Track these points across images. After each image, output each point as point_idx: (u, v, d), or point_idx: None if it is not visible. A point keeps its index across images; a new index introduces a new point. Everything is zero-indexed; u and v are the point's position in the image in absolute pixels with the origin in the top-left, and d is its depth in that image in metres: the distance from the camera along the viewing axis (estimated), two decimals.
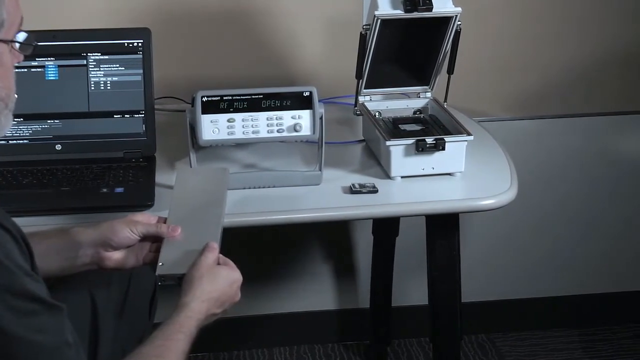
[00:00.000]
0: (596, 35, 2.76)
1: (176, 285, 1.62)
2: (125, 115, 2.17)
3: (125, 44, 2.14)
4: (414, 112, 2.31)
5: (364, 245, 2.89)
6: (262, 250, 2.85)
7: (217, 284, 1.60)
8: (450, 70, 2.25)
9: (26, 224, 1.50)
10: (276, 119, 2.00)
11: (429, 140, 2.05)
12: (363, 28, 2.13)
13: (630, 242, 3.04)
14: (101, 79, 2.14)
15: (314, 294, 2.95)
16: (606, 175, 2.93)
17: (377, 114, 2.25)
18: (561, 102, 2.82)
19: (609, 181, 2.94)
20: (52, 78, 2.13)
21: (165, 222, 1.72)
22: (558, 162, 2.89)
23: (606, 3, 2.73)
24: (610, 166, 2.92)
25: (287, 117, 2.01)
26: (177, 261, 1.64)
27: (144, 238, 1.71)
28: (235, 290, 1.64)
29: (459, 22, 2.14)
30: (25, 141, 2.13)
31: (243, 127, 2.00)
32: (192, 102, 1.99)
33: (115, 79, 2.14)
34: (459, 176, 2.10)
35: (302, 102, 2.01)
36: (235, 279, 1.63)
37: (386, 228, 2.75)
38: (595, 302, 3.09)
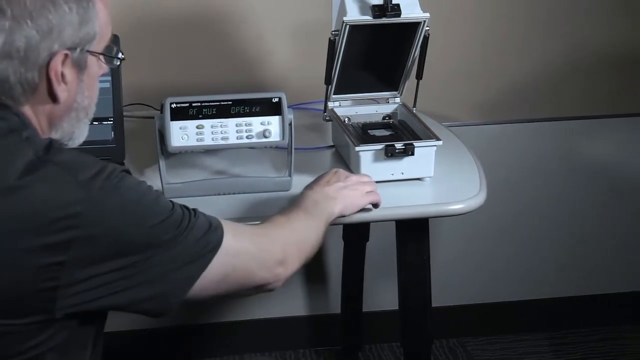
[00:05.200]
0: (562, 41, 2.78)
1: None
2: (94, 122, 2.11)
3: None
4: (383, 118, 2.32)
5: (334, 250, 2.89)
6: None
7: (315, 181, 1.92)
8: (419, 76, 2.26)
9: None
10: (245, 125, 2.00)
11: (398, 145, 2.05)
12: (332, 34, 2.14)
13: (597, 246, 3.06)
14: None
15: (285, 300, 2.95)
16: (573, 179, 2.95)
17: (346, 119, 2.26)
18: (528, 107, 2.84)
19: (575, 185, 2.96)
20: None
21: None
22: (526, 167, 2.91)
23: (572, 10, 2.75)
24: (578, 170, 2.94)
25: (257, 123, 2.01)
26: None
27: None
28: (335, 174, 1.91)
29: (428, 28, 2.15)
30: None
31: (212, 133, 1.99)
32: (161, 109, 1.99)
33: None
34: (429, 181, 2.10)
35: (271, 108, 2.01)
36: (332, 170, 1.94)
37: (356, 233, 2.76)
38: (564, 306, 3.11)
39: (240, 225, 1.62)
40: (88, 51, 1.46)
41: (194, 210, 1.51)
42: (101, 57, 1.51)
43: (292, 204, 1.83)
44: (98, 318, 1.50)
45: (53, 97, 1.44)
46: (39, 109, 1.46)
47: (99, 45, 1.49)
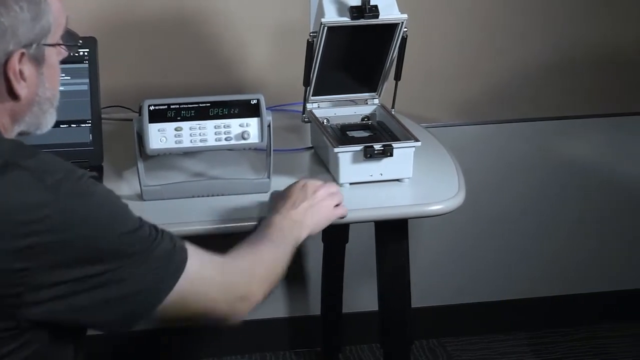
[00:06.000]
0: (540, 41, 2.79)
1: None
2: (72, 125, 2.15)
3: (71, 53, 2.12)
4: (362, 119, 2.32)
5: (314, 252, 2.89)
6: None
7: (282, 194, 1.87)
8: (397, 77, 2.26)
9: None
10: (224, 127, 2.00)
11: (377, 146, 2.05)
12: (310, 35, 2.14)
13: (578, 246, 3.07)
14: None
15: (265, 302, 2.93)
16: (552, 179, 2.96)
17: (325, 120, 2.26)
18: (507, 107, 2.85)
19: (555, 185, 2.97)
20: None
21: None
22: (505, 167, 2.92)
23: (550, 10, 2.76)
24: (557, 170, 2.96)
25: (235, 125, 2.00)
26: None
27: None
28: (302, 189, 1.86)
29: (406, 29, 2.15)
30: None
31: (191, 135, 1.99)
32: (140, 111, 1.98)
33: (61, 88, 2.10)
34: (408, 182, 2.11)
35: (249, 110, 2.00)
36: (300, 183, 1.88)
37: (336, 235, 2.76)
38: (544, 305, 3.12)
39: (206, 254, 1.58)
40: (45, 44, 1.45)
41: (161, 230, 1.49)
42: (60, 46, 1.51)
43: (259, 232, 1.77)
44: (74, 332, 1.48)
45: (13, 96, 1.44)
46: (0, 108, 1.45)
47: (56, 35, 1.48)
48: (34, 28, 1.42)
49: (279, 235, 1.75)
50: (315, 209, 1.84)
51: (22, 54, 1.42)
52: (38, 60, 1.45)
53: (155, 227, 1.48)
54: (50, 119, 1.54)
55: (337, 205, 1.90)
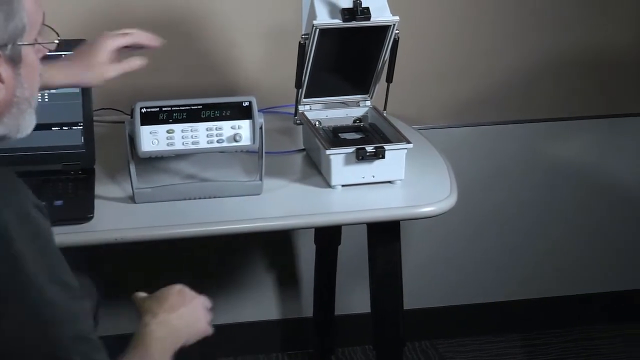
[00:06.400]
0: (531, 43, 2.79)
1: None
2: (64, 128, 2.15)
3: (63, 56, 2.12)
4: (354, 121, 2.32)
5: (306, 254, 2.89)
6: (204, 261, 2.84)
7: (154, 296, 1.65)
8: (389, 79, 2.27)
9: None
10: (216, 129, 2.00)
11: (369, 148, 2.06)
12: (302, 37, 2.14)
13: (570, 247, 3.07)
14: None
15: (257, 303, 2.95)
16: (543, 181, 2.97)
17: (317, 123, 2.26)
18: (498, 109, 2.85)
19: (546, 187, 2.98)
20: None
21: None
22: (496, 169, 2.92)
23: (540, 13, 2.76)
24: (548, 171, 2.96)
25: (227, 128, 2.00)
26: None
27: None
28: (180, 293, 1.67)
29: (397, 31, 2.16)
30: None
31: (183, 137, 1.99)
32: (131, 114, 1.98)
33: (53, 90, 2.11)
34: (399, 184, 2.11)
35: (241, 112, 2.00)
36: (176, 287, 1.67)
37: (328, 237, 2.76)
38: (537, 307, 3.12)
39: None
40: (20, 44, 1.41)
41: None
42: (36, 45, 1.46)
43: (134, 345, 1.59)
44: None
45: None
46: None
47: (31, 33, 1.44)
48: (6, 29, 1.38)
49: (158, 348, 1.61)
50: (193, 318, 1.72)
51: None
52: (14, 61, 1.41)
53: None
54: (30, 121, 1.49)
55: None
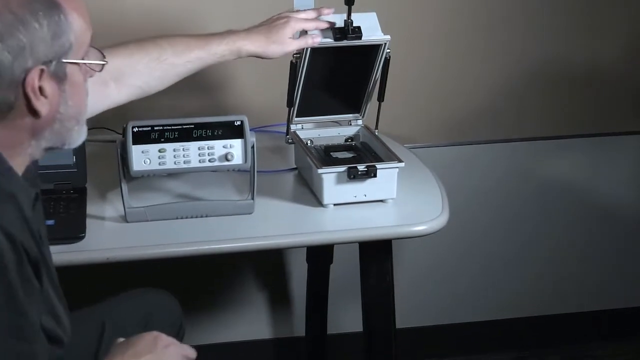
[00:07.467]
0: (521, 62, 2.80)
1: None
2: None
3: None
4: (346, 140, 2.32)
5: (298, 273, 2.89)
6: (195, 280, 2.83)
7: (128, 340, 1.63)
8: (380, 98, 2.27)
9: None
10: (207, 148, 2.00)
11: (361, 167, 2.06)
12: (293, 56, 2.14)
13: (560, 266, 3.08)
14: None
15: (249, 323, 2.94)
16: (534, 199, 2.97)
17: (308, 142, 2.26)
18: (489, 128, 2.86)
19: (537, 205, 2.98)
20: None
21: None
22: (488, 188, 2.92)
23: (531, 32, 2.77)
24: (539, 191, 2.96)
25: (219, 147, 2.00)
26: None
27: None
28: (153, 340, 1.62)
29: (389, 50, 2.16)
30: None
31: (174, 157, 1.99)
32: (123, 133, 1.98)
33: None
34: (391, 203, 2.11)
35: (233, 131, 2.01)
36: (152, 334, 1.64)
37: (320, 255, 2.75)
38: (529, 325, 3.12)
39: None
40: (65, 62, 1.45)
41: None
42: (83, 64, 1.50)
43: None
44: None
45: (33, 112, 1.43)
46: (18, 124, 1.44)
47: (78, 53, 1.48)
48: (53, 46, 1.42)
49: None
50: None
51: (42, 71, 1.41)
52: (59, 77, 1.45)
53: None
54: (77, 136, 1.53)
55: None
